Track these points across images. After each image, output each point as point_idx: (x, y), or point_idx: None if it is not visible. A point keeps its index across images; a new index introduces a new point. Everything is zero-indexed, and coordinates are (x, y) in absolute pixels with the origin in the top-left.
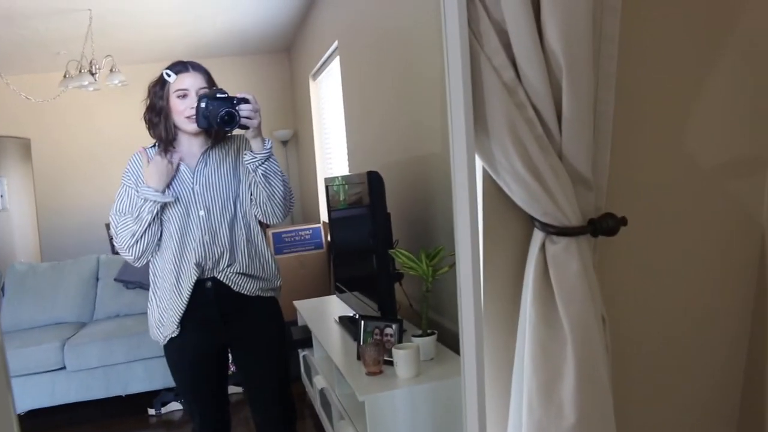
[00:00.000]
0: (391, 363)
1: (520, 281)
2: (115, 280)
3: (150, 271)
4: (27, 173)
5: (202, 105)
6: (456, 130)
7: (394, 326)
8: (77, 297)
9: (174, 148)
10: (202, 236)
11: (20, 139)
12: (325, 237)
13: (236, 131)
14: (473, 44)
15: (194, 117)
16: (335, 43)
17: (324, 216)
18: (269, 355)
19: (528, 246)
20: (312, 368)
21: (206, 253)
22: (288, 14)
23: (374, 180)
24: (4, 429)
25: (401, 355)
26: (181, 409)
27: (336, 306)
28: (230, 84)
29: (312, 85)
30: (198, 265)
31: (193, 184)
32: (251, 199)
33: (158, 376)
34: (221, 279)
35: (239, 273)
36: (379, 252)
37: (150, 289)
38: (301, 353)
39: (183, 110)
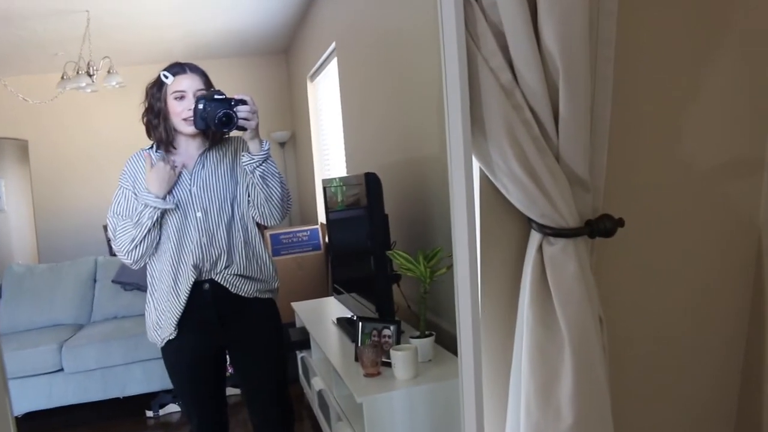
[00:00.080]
0: (389, 364)
1: (518, 283)
2: (112, 281)
3: (147, 273)
4: (24, 175)
5: (200, 106)
6: (453, 131)
7: (392, 328)
8: (75, 299)
9: (173, 149)
10: (200, 238)
11: (18, 141)
12: (323, 238)
13: (234, 133)
14: (470, 46)
15: (192, 119)
16: (333, 45)
17: (322, 217)
18: (267, 356)
19: (525, 247)
20: (310, 370)
21: (204, 255)
22: (286, 15)
23: (372, 181)
24: None
25: (399, 357)
26: (178, 411)
27: (334, 307)
28: (228, 85)
29: (310, 86)
30: (195, 266)
31: (190, 185)
32: (249, 200)
33: (156, 378)
34: (219, 281)
35: (237, 275)
36: (376, 253)
37: (147, 291)
38: (299, 355)
39: (180, 112)
